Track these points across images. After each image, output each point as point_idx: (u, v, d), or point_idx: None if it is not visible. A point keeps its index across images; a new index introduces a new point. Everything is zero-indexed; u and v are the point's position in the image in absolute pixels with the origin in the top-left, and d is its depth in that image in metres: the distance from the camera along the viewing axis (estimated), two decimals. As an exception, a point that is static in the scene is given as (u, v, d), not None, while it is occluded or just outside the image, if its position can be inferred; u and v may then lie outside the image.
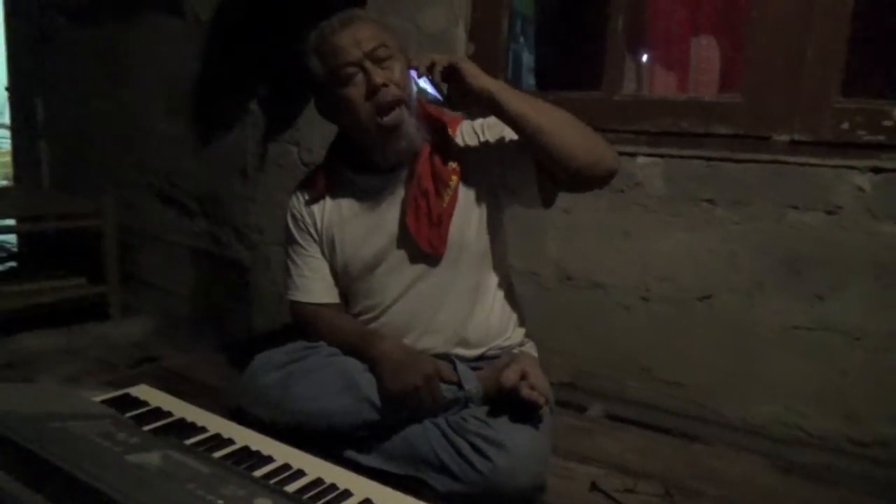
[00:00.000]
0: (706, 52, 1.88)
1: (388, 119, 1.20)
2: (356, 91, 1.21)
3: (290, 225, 1.41)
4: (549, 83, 2.68)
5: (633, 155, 1.69)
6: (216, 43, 2.48)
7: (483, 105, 1.17)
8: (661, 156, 1.67)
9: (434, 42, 1.93)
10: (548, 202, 1.26)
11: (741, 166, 1.58)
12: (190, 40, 2.54)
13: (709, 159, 1.61)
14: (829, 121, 1.50)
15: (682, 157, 1.65)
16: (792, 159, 1.52)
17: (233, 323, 2.60)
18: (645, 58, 2.02)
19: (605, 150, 1.17)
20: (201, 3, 2.47)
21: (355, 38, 1.19)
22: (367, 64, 1.19)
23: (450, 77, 1.16)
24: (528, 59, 2.87)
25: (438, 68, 1.15)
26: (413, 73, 1.20)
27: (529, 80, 2.83)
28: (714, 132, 1.63)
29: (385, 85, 1.19)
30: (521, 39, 2.82)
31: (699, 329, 1.66)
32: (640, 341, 1.74)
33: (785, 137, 1.55)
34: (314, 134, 2.23)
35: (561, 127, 1.14)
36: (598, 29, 1.80)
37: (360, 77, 1.20)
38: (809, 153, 1.52)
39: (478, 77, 1.14)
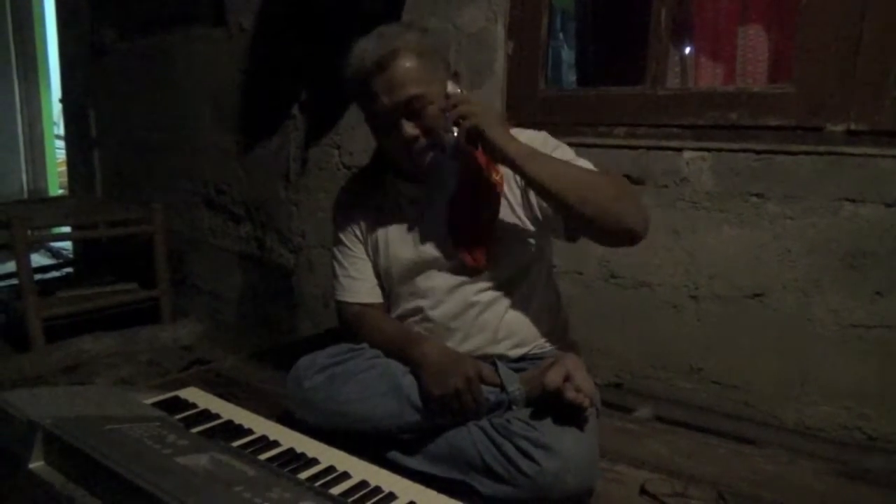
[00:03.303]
0: (754, 41, 1.82)
1: (419, 160, 1.22)
2: (389, 134, 1.22)
3: (336, 226, 1.43)
4: (590, 79, 2.64)
5: (678, 150, 1.65)
6: (258, 50, 2.52)
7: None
8: (709, 150, 1.62)
9: (473, 41, 1.92)
10: (573, 240, 1.25)
11: (793, 158, 1.52)
12: (234, 49, 2.60)
13: (759, 152, 1.56)
14: (888, 109, 1.43)
15: (730, 150, 1.60)
16: (848, 150, 1.46)
17: (278, 325, 2.64)
18: (689, 50, 1.96)
19: (634, 218, 1.12)
20: (244, 13, 2.53)
21: (390, 84, 1.17)
22: (399, 117, 1.18)
23: (474, 138, 1.14)
24: (567, 55, 2.84)
25: (462, 130, 1.13)
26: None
27: (570, 77, 2.80)
28: (764, 124, 1.57)
29: (416, 138, 1.19)
30: (561, 36, 2.78)
31: (752, 328, 1.61)
32: (690, 341, 1.69)
33: (840, 127, 1.49)
34: (355, 137, 2.25)
35: (586, 199, 1.09)
36: (640, 22, 1.76)
37: (394, 121, 1.20)
38: (868, 143, 1.45)
39: (503, 147, 1.12)
